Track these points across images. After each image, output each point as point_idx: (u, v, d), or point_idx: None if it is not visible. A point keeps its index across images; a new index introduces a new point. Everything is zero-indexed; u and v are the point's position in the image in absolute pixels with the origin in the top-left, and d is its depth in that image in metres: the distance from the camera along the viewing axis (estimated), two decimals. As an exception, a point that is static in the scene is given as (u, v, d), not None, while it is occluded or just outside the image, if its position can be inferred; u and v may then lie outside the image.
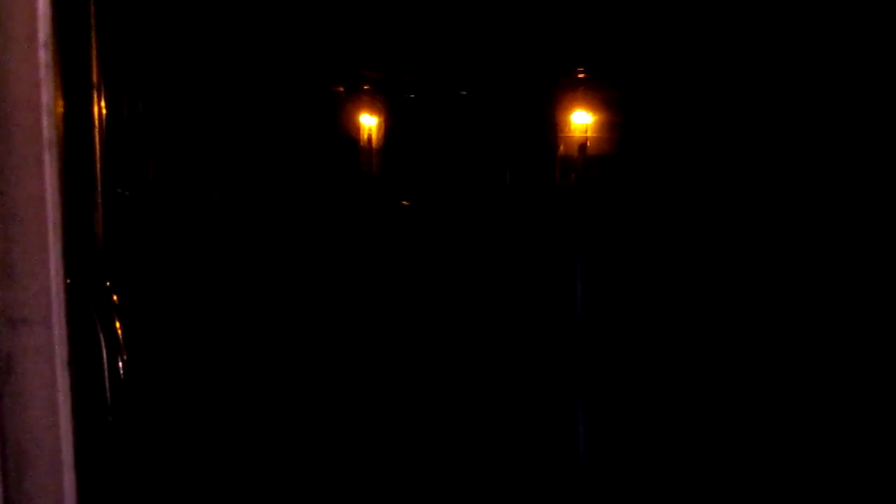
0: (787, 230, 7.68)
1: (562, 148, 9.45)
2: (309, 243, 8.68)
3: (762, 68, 7.86)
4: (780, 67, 7.77)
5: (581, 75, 9.16)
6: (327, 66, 9.20)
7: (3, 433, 1.53)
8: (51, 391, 1.54)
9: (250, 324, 7.82)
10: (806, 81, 7.65)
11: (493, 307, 8.41)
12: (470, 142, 9.39)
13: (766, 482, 6.62)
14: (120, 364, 2.42)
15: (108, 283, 2.60)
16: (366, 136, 10.15)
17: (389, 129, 9.93)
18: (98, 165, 2.72)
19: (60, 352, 1.54)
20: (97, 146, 2.61)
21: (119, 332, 2.43)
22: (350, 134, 9.93)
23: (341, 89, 9.71)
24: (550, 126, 9.41)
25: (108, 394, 2.36)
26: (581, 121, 9.22)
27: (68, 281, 1.54)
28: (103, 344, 2.39)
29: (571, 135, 9.35)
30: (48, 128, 1.44)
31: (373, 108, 9.86)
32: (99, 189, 2.77)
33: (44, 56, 1.41)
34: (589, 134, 9.23)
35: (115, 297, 2.53)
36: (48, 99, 1.43)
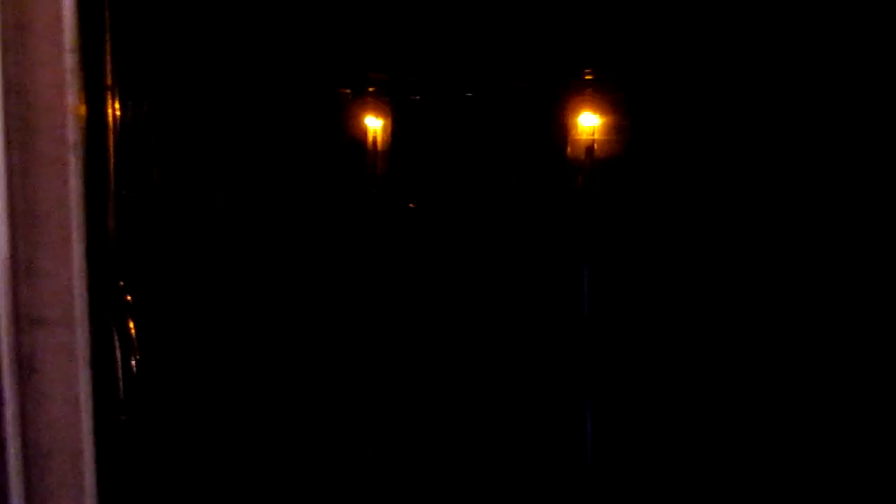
0: (794, 233, 7.69)
1: (569, 150, 9.45)
2: (313, 246, 8.69)
3: (770, 71, 7.87)
4: (788, 70, 7.78)
5: (588, 77, 9.15)
6: (333, 68, 9.21)
7: (24, 431, 1.55)
8: (72, 390, 1.56)
9: (256, 325, 7.83)
10: (814, 84, 7.65)
11: (499, 310, 8.42)
12: (476, 144, 9.40)
13: (771, 481, 6.64)
14: (133, 363, 2.44)
15: (121, 283, 2.63)
16: (371, 139, 10.16)
17: (395, 131, 9.94)
18: (111, 167, 2.74)
19: (82, 351, 1.56)
20: (111, 149, 2.64)
21: (132, 331, 2.45)
22: (355, 136, 9.94)
23: (347, 91, 9.72)
24: (557, 128, 9.41)
25: (121, 392, 2.38)
26: (588, 123, 9.22)
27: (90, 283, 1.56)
28: (117, 343, 2.41)
29: (578, 137, 9.35)
30: (72, 131, 1.46)
31: (378, 110, 9.88)
32: (112, 191, 2.79)
33: (70, 61, 1.43)
34: (596, 136, 9.22)
35: (128, 297, 2.55)
36: (73, 103, 1.45)
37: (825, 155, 7.63)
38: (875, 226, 7.35)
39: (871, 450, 6.49)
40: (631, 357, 7.76)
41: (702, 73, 8.29)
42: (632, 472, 6.98)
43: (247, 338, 7.72)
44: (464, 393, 7.71)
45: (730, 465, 6.76)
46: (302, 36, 8.61)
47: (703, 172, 8.34)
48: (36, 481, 1.56)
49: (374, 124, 10.10)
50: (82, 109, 1.51)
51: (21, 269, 1.51)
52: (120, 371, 2.39)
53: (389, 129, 10.05)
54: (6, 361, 1.53)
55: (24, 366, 1.55)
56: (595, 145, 9.36)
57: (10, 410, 1.55)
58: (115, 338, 2.39)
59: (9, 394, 1.54)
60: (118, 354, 2.38)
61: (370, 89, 10.05)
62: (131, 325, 2.51)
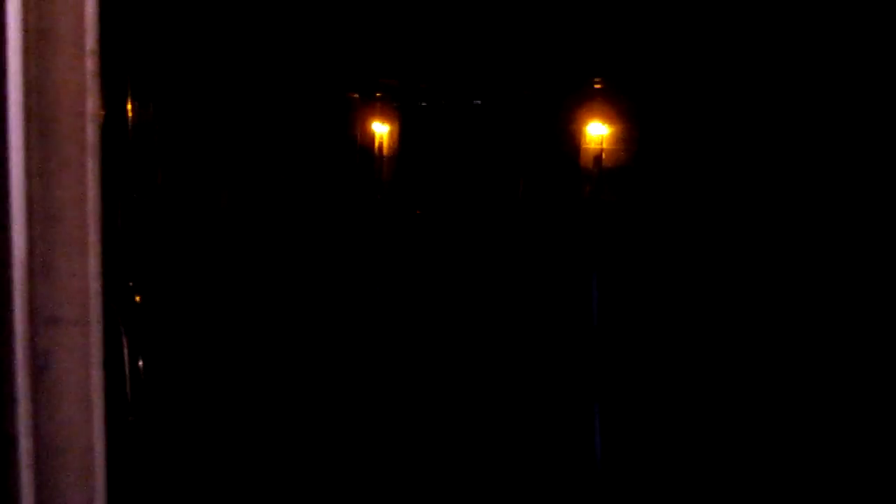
0: (802, 242, 7.69)
1: (577, 159, 9.43)
2: (317, 250, 8.70)
3: (778, 82, 7.88)
4: (795, 82, 7.79)
5: (597, 86, 9.13)
6: (343, 73, 9.21)
7: (36, 430, 1.57)
8: (85, 390, 1.58)
9: (260, 325, 7.85)
10: (821, 93, 7.66)
11: (507, 317, 8.43)
12: (483, 152, 9.39)
13: (776, 484, 6.65)
14: (140, 364, 2.45)
15: (130, 284, 2.64)
16: (377, 144, 10.16)
17: (402, 136, 9.93)
18: (123, 170, 2.76)
19: (95, 352, 1.58)
20: (123, 152, 2.65)
21: (141, 332, 2.47)
22: (362, 141, 9.94)
23: (356, 95, 9.71)
24: (565, 137, 9.39)
25: (128, 393, 2.40)
26: (596, 132, 9.20)
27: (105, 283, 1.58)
28: (125, 344, 2.42)
29: (586, 146, 9.34)
30: (91, 134, 1.48)
31: (386, 116, 9.87)
32: (122, 193, 2.81)
33: (90, 64, 1.45)
34: (604, 146, 9.20)
35: (137, 298, 2.57)
36: (93, 106, 1.47)
37: (835, 165, 7.63)
38: (881, 238, 7.36)
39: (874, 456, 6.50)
40: (639, 363, 7.77)
41: (710, 83, 8.29)
42: (639, 476, 7.00)
43: (251, 338, 7.73)
44: (473, 398, 7.72)
45: (735, 468, 6.78)
46: (311, 40, 8.62)
47: (712, 182, 8.34)
48: (47, 479, 1.58)
49: (381, 129, 10.08)
50: (102, 114, 1.53)
51: (38, 269, 1.53)
52: (128, 372, 2.40)
53: (396, 135, 10.05)
54: (21, 359, 1.55)
55: (38, 364, 1.56)
56: (603, 154, 9.34)
57: (22, 408, 1.56)
58: (124, 339, 2.40)
59: (22, 391, 1.56)
60: (126, 355, 2.39)
61: (378, 94, 10.05)
62: (140, 325, 2.52)
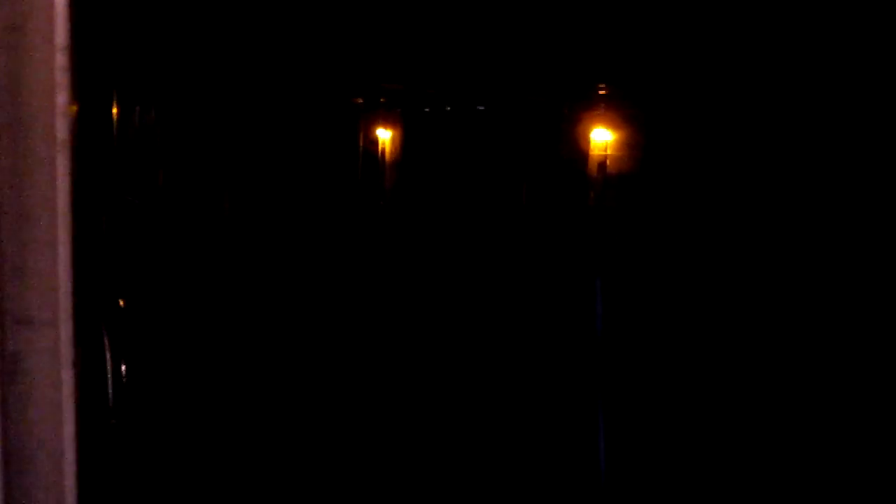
0: (807, 247, 7.66)
1: (581, 166, 9.38)
2: (318, 256, 8.68)
3: (783, 88, 7.85)
4: (800, 88, 7.76)
5: (602, 92, 9.09)
6: (348, 77, 9.18)
7: (6, 433, 1.54)
8: (56, 392, 1.55)
9: (257, 330, 7.83)
10: (827, 99, 7.64)
11: (511, 323, 8.41)
12: (487, 158, 9.37)
13: (781, 489, 6.63)
14: (123, 368, 2.43)
15: (113, 287, 2.61)
16: (380, 149, 10.14)
17: (405, 142, 9.91)
18: (104, 168, 2.73)
19: (67, 353, 1.55)
20: (104, 149, 2.62)
21: (123, 336, 2.44)
22: (365, 146, 9.92)
23: (360, 101, 9.68)
24: (569, 143, 9.36)
25: (110, 397, 2.37)
26: (601, 139, 9.15)
27: (77, 284, 1.55)
28: (108, 347, 2.40)
29: (591, 152, 9.29)
30: (62, 130, 1.46)
31: (389, 122, 9.85)
32: (105, 193, 2.78)
33: (61, 60, 1.43)
34: (609, 152, 9.16)
35: (120, 302, 2.55)
36: (64, 102, 1.44)
37: (843, 168, 7.60)
38: (888, 249, 7.33)
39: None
40: (643, 369, 7.75)
41: (716, 89, 8.26)
42: (643, 480, 6.98)
43: (251, 342, 7.72)
44: (476, 403, 7.70)
45: (739, 473, 6.76)
46: (316, 45, 8.60)
47: (717, 188, 8.31)
48: (16, 482, 1.55)
49: (385, 135, 10.06)
50: (74, 110, 1.50)
51: (8, 268, 1.50)
52: (110, 375, 2.38)
53: (399, 141, 10.03)
54: (-9, 361, 1.53)
55: (9, 366, 1.54)
56: (608, 161, 9.30)
57: (-7, 410, 1.54)
58: (106, 342, 2.38)
59: (-8, 393, 1.53)
60: (109, 359, 2.37)
61: (382, 100, 10.02)
62: (122, 329, 2.50)
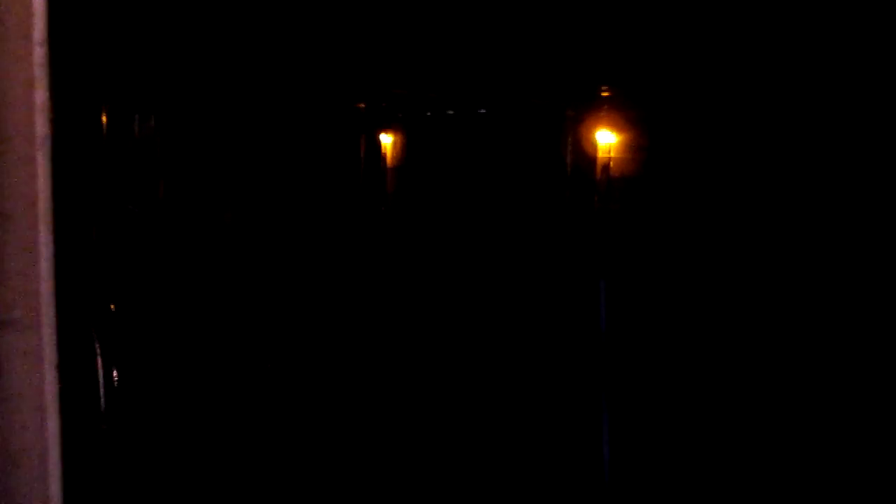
0: (810, 250, 7.64)
1: (584, 168, 9.33)
2: (319, 263, 8.64)
3: (788, 91, 7.83)
4: (804, 90, 7.74)
5: (605, 94, 9.03)
6: (350, 83, 9.13)
7: (-11, 435, 1.52)
8: (39, 394, 1.53)
9: (261, 333, 7.82)
10: (832, 102, 7.61)
11: (515, 325, 8.39)
12: (488, 160, 9.32)
13: (783, 488, 6.61)
14: (114, 373, 2.40)
15: (105, 294, 2.59)
16: (382, 154, 10.09)
17: (407, 147, 9.86)
18: (91, 170, 2.70)
19: (49, 355, 1.52)
20: (90, 149, 2.60)
21: (114, 341, 2.42)
22: (367, 152, 9.87)
23: (362, 106, 9.63)
24: (572, 146, 9.31)
25: (102, 402, 2.34)
26: (604, 141, 9.09)
27: (60, 286, 1.53)
28: (98, 352, 2.37)
29: (594, 155, 9.23)
30: (41, 127, 1.43)
31: (391, 126, 9.80)
32: (95, 197, 2.75)
33: (39, 54, 1.40)
34: (612, 154, 9.10)
35: (111, 307, 2.52)
36: (42, 98, 1.42)
37: (847, 172, 7.58)
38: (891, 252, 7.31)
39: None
40: (647, 370, 7.74)
41: (720, 91, 8.23)
42: (647, 481, 6.97)
43: (252, 347, 7.70)
44: (482, 404, 7.69)
45: (741, 473, 6.75)
46: (317, 51, 8.57)
47: (720, 190, 8.28)
48: (1, 486, 1.53)
49: (386, 140, 10.01)
50: (52, 107, 1.48)
51: (-12, 269, 1.48)
52: (101, 380, 2.35)
53: (401, 145, 9.98)
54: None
55: (-9, 368, 1.51)
56: (611, 163, 9.25)
57: (-25, 414, 1.51)
58: (97, 347, 2.35)
59: (-26, 397, 1.51)
60: (99, 364, 2.34)
61: (383, 105, 9.97)
62: (113, 334, 2.47)
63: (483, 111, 9.48)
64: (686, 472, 6.92)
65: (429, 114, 9.78)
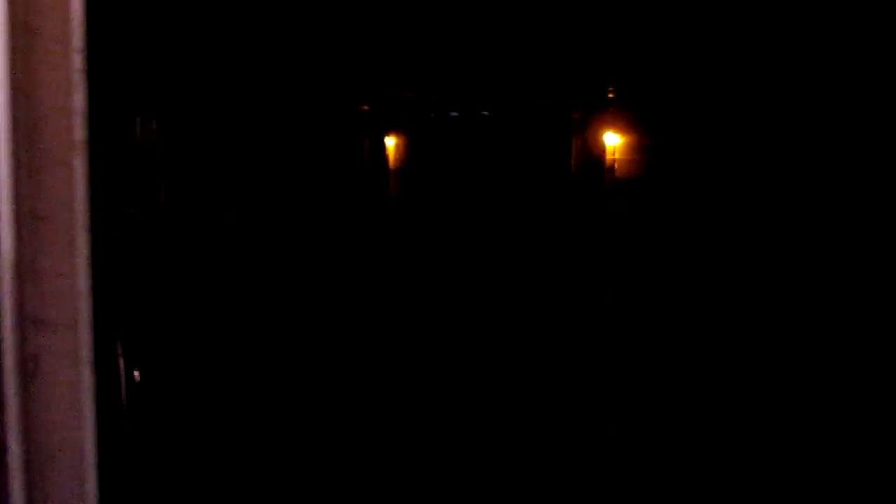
0: (817, 252, 7.66)
1: (587, 170, 9.34)
2: (324, 265, 8.67)
3: (794, 93, 7.85)
4: (809, 92, 7.76)
5: (610, 95, 9.03)
6: (354, 85, 9.15)
7: (27, 434, 1.55)
8: (75, 393, 1.56)
9: (262, 336, 7.83)
10: (837, 103, 7.64)
11: (519, 327, 8.42)
12: (492, 162, 9.34)
13: (788, 490, 6.64)
14: (136, 372, 2.43)
15: (124, 295, 2.62)
16: (385, 156, 10.11)
17: (410, 148, 9.89)
18: (121, 172, 2.74)
19: (85, 354, 1.56)
20: (122, 152, 2.63)
21: (136, 343, 2.45)
22: (370, 154, 9.90)
23: (365, 108, 9.65)
24: (576, 148, 9.33)
25: (123, 400, 2.38)
26: (609, 142, 9.09)
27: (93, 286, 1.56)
28: (120, 353, 2.41)
29: (599, 157, 9.23)
30: (79, 132, 1.46)
31: (394, 129, 9.82)
32: (119, 195, 2.79)
33: (77, 62, 1.44)
34: (617, 156, 9.11)
35: (133, 306, 2.55)
36: (80, 103, 1.45)
37: (854, 173, 7.60)
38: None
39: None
40: (651, 372, 7.76)
41: (725, 92, 8.25)
42: (651, 482, 7.00)
43: (254, 349, 7.72)
44: (485, 407, 7.72)
45: (739, 472, 6.77)
46: (320, 52, 8.59)
47: (726, 192, 8.30)
48: (38, 483, 1.56)
49: (390, 142, 10.04)
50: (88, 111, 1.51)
51: (26, 270, 1.51)
52: (123, 379, 2.39)
53: (404, 147, 10.01)
54: (10, 363, 1.53)
55: (28, 367, 1.55)
56: (616, 165, 9.26)
57: (13, 412, 1.54)
58: (119, 347, 2.39)
59: (12, 395, 1.54)
60: (121, 365, 2.38)
61: (387, 107, 9.98)
62: (135, 334, 2.51)
63: (487, 113, 9.50)
64: (690, 471, 6.94)
65: (432, 116, 9.80)
